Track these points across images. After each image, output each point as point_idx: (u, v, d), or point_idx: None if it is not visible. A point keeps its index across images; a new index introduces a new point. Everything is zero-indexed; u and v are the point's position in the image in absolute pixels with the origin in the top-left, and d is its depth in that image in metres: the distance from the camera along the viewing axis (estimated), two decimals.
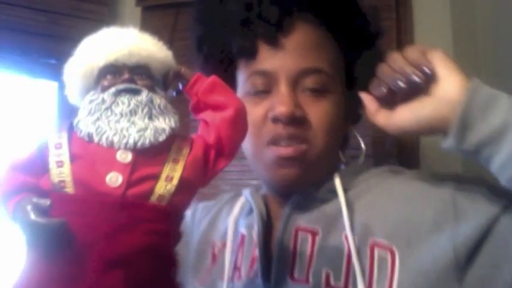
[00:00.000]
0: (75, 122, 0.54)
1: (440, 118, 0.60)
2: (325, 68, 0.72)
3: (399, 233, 0.65)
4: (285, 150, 0.69)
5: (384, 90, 0.64)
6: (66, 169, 0.49)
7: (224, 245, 0.78)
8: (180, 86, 0.58)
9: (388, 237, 0.65)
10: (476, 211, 0.62)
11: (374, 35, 0.79)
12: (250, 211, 0.79)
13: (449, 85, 0.60)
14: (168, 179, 0.51)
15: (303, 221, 0.71)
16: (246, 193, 0.80)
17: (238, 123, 0.56)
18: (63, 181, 0.49)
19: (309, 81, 0.71)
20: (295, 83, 0.71)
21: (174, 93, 0.59)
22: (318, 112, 0.71)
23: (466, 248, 0.60)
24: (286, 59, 0.71)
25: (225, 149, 0.55)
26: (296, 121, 0.69)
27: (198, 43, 0.78)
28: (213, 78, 0.57)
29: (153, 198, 0.50)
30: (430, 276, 0.61)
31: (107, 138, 0.51)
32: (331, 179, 0.73)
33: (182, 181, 0.52)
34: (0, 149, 1.61)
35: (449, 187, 0.65)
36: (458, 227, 0.61)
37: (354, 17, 0.76)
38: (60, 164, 0.50)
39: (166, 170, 0.52)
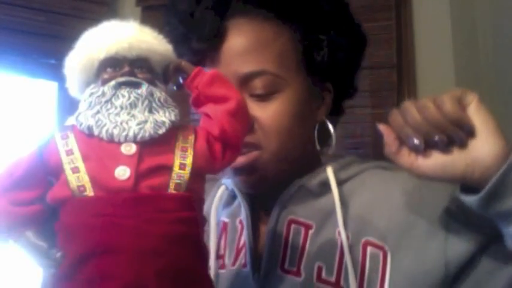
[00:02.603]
0: (75, 115, 0.54)
1: (470, 176, 0.57)
2: (270, 69, 0.69)
3: (392, 234, 0.66)
4: (239, 160, 0.68)
5: (421, 146, 0.58)
6: (83, 174, 0.50)
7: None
8: (181, 80, 0.58)
9: (381, 238, 0.66)
10: (468, 236, 0.63)
11: (333, 12, 0.75)
12: (231, 200, 0.79)
13: (487, 145, 0.56)
14: (182, 167, 0.51)
15: (297, 213, 0.71)
16: (228, 182, 0.79)
17: (241, 114, 0.56)
18: (82, 185, 0.49)
19: (254, 86, 0.69)
20: (241, 88, 0.68)
21: (175, 87, 0.59)
22: (267, 116, 0.69)
23: (456, 266, 0.62)
24: (227, 67, 0.69)
25: (231, 141, 0.55)
26: None
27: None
28: (213, 71, 0.57)
29: (171, 188, 0.50)
30: (419, 283, 0.63)
31: (106, 131, 0.51)
32: (321, 168, 0.73)
33: (194, 168, 0.52)
34: (0, 149, 1.61)
35: (445, 202, 0.65)
36: (449, 244, 0.63)
37: None
38: (76, 169, 0.50)
39: (177, 159, 0.52)
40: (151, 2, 1.68)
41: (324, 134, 0.77)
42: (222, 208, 0.79)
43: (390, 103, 1.75)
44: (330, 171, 0.72)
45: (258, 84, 0.69)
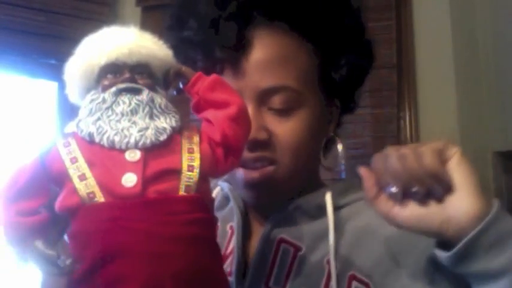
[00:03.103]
0: (75, 122, 0.54)
1: (445, 232, 0.57)
2: (291, 85, 0.68)
3: (378, 272, 0.66)
4: (252, 174, 0.68)
5: (398, 195, 0.58)
6: (91, 180, 0.49)
7: None
8: (181, 85, 0.58)
9: (366, 274, 0.66)
10: (452, 285, 0.62)
11: (354, 32, 0.74)
12: (224, 204, 0.78)
13: (464, 203, 0.56)
14: (190, 169, 0.52)
15: (287, 232, 0.71)
16: (224, 185, 0.78)
17: (242, 120, 0.56)
18: (91, 192, 0.49)
19: (274, 101, 0.68)
20: (260, 102, 0.68)
21: (175, 92, 0.59)
22: (284, 132, 0.68)
23: None
24: (248, 79, 0.67)
25: (232, 146, 0.55)
26: (260, 144, 0.67)
27: (173, 51, 0.77)
28: (213, 76, 0.57)
29: (182, 190, 0.50)
30: None
31: (107, 138, 0.51)
32: (320, 192, 0.73)
33: (202, 169, 0.52)
34: (0, 149, 1.61)
35: (432, 248, 0.64)
36: None
37: (329, 18, 0.71)
38: (83, 177, 0.50)
39: (185, 161, 0.52)
40: (151, 2, 1.68)
41: (326, 148, 0.77)
42: (215, 210, 0.79)
43: (390, 103, 1.75)
44: (328, 197, 0.71)
45: (278, 100, 0.68)
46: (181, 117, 0.56)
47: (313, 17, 0.69)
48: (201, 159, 0.53)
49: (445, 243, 0.58)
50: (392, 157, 0.58)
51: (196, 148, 0.54)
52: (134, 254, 0.47)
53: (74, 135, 0.53)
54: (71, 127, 0.54)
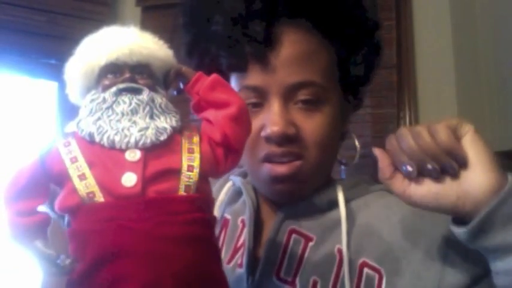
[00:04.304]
0: (75, 122, 0.54)
1: (461, 207, 0.57)
2: (317, 80, 0.69)
3: (389, 258, 0.66)
4: (280, 169, 0.69)
5: (413, 172, 0.58)
6: (91, 180, 0.49)
7: None
8: (181, 85, 0.58)
9: (378, 261, 0.66)
10: (463, 268, 0.63)
11: (371, 29, 0.75)
12: (236, 197, 0.79)
13: (479, 178, 0.56)
14: (190, 168, 0.52)
15: (299, 224, 0.72)
16: (236, 179, 0.79)
17: (242, 120, 0.56)
18: (91, 192, 0.49)
19: (301, 96, 0.69)
20: (287, 97, 0.69)
21: (175, 92, 0.59)
22: (311, 127, 0.69)
23: None
24: (276, 74, 0.68)
25: (232, 146, 0.55)
26: (289, 139, 0.68)
27: (187, 50, 0.76)
28: (214, 76, 0.57)
29: (181, 190, 0.50)
30: None
31: (108, 138, 0.51)
32: (331, 186, 0.74)
33: (202, 169, 0.52)
34: (0, 149, 1.61)
35: (444, 233, 0.65)
36: (445, 275, 0.63)
37: (350, 15, 0.72)
38: (83, 177, 0.50)
39: (185, 161, 0.52)
40: (151, 2, 1.68)
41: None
42: (226, 204, 0.79)
43: (390, 103, 1.75)
44: (339, 191, 0.72)
45: (305, 95, 0.68)
46: (181, 117, 0.56)
47: (333, 14, 0.70)
48: (201, 159, 0.53)
49: (461, 219, 0.58)
50: (407, 135, 0.59)
51: (196, 148, 0.54)
52: (134, 254, 0.47)
53: (74, 135, 0.53)
54: (71, 127, 0.54)
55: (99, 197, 0.49)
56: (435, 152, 0.57)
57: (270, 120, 0.68)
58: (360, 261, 0.67)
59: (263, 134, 0.68)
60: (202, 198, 0.52)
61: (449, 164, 0.57)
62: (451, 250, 0.64)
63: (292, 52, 0.68)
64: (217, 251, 0.54)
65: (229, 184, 0.81)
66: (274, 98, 0.68)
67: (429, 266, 0.64)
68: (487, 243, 0.56)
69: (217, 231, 0.76)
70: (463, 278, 0.62)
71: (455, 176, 0.57)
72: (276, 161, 0.69)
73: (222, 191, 0.80)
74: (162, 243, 0.47)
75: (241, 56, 0.69)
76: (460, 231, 0.57)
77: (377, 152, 0.62)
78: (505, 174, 0.56)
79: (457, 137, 0.58)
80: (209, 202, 0.55)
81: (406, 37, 1.73)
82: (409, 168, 0.58)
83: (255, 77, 0.69)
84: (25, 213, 0.51)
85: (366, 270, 0.66)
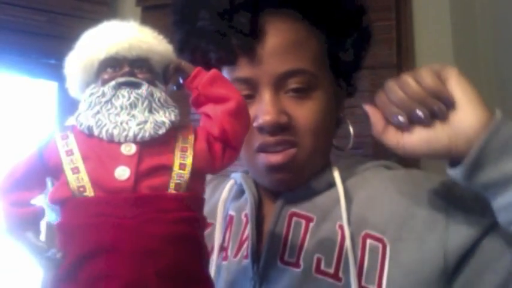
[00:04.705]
0: (75, 116, 0.54)
1: (454, 149, 0.58)
2: (307, 68, 0.70)
3: (391, 226, 0.66)
4: (275, 158, 0.69)
5: (404, 121, 0.59)
6: (83, 174, 0.49)
7: (210, 226, 0.78)
8: (181, 80, 0.58)
9: (380, 230, 0.67)
10: (468, 224, 0.63)
11: (357, 14, 0.76)
12: (239, 194, 0.80)
13: (468, 116, 0.57)
14: (182, 167, 0.52)
15: (298, 207, 0.72)
16: (237, 176, 0.80)
17: (241, 115, 0.56)
18: (82, 186, 0.49)
19: (291, 84, 0.69)
20: (277, 86, 0.69)
21: (174, 87, 0.59)
22: (304, 114, 0.70)
23: (456, 256, 0.62)
24: (265, 65, 0.69)
25: (231, 142, 0.56)
26: (282, 128, 0.69)
27: (179, 47, 0.76)
28: (213, 71, 0.57)
29: (171, 188, 0.50)
30: (418, 275, 0.63)
31: (106, 131, 0.51)
32: (328, 170, 0.74)
33: (194, 168, 0.52)
34: (0, 149, 1.61)
35: (444, 194, 0.66)
36: (449, 234, 0.63)
37: (335, 2, 0.73)
38: (76, 170, 0.50)
39: (177, 159, 0.52)
40: (151, 2, 1.68)
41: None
42: (230, 202, 0.80)
43: None
44: (336, 172, 0.73)
45: (295, 83, 0.69)
46: (180, 112, 0.55)
47: (318, 2, 0.71)
48: (194, 157, 0.53)
49: (457, 162, 0.58)
50: (393, 86, 0.60)
51: (190, 147, 0.53)
52: (119, 250, 0.47)
53: (73, 128, 0.53)
54: (71, 121, 0.54)
55: (90, 192, 0.49)
56: (422, 97, 0.58)
57: (262, 110, 0.68)
58: (363, 233, 0.67)
59: (255, 124, 0.69)
60: (192, 196, 0.52)
61: (438, 107, 0.58)
62: (453, 208, 0.64)
63: (280, 41, 0.69)
64: (203, 251, 0.53)
65: (231, 182, 0.82)
66: (265, 88, 0.69)
67: (432, 228, 0.64)
68: (485, 178, 0.56)
69: (223, 229, 0.77)
70: (470, 233, 0.62)
71: (444, 118, 0.58)
72: (271, 151, 0.70)
73: (225, 189, 0.81)
74: (148, 241, 0.47)
75: (229, 49, 0.70)
76: (456, 172, 0.58)
77: (367, 108, 0.64)
78: (492, 111, 0.58)
79: (442, 80, 0.59)
80: (199, 201, 0.54)
81: (406, 37, 1.73)
82: (400, 118, 0.60)
83: (244, 69, 0.70)
84: (20, 204, 0.51)
85: (369, 241, 0.66)
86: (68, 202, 0.49)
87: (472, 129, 0.56)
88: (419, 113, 0.58)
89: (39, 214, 0.52)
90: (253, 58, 0.69)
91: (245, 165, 0.77)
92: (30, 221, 0.51)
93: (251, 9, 0.69)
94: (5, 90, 1.73)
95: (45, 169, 0.52)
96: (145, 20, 1.84)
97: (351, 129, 0.79)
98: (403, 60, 1.75)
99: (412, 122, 0.60)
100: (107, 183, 0.49)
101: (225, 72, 0.73)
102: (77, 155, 0.51)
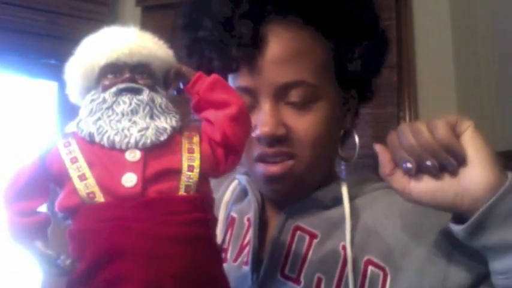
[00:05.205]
0: (75, 122, 0.53)
1: (459, 204, 0.57)
2: (308, 79, 0.68)
3: (394, 256, 0.66)
4: (272, 168, 0.69)
5: (413, 169, 0.58)
6: (91, 181, 0.49)
7: None
8: (181, 85, 0.58)
9: (382, 258, 0.66)
10: (469, 266, 0.62)
11: (369, 21, 0.74)
12: (242, 196, 0.79)
13: (478, 175, 0.56)
14: (190, 168, 0.52)
15: (303, 221, 0.72)
16: (241, 178, 0.80)
17: (242, 120, 0.56)
18: (91, 192, 0.49)
19: (291, 96, 0.68)
20: (277, 97, 0.68)
21: (175, 92, 0.59)
22: (303, 126, 0.69)
23: None
24: (265, 75, 0.68)
25: (233, 146, 0.55)
26: (279, 139, 0.68)
27: (187, 52, 0.76)
28: (214, 76, 0.57)
29: (181, 190, 0.50)
30: None
31: (108, 138, 0.51)
32: (335, 184, 0.73)
33: (202, 169, 0.52)
34: (0, 149, 1.61)
35: (450, 232, 0.64)
36: (449, 272, 0.62)
37: (342, 8, 0.71)
38: (83, 177, 0.50)
39: (185, 161, 0.52)
40: (151, 2, 1.68)
41: (343, 139, 0.78)
42: (232, 203, 0.80)
43: (390, 103, 1.74)
44: (344, 189, 0.72)
45: (295, 94, 0.68)
46: (181, 117, 0.55)
47: (325, 10, 0.70)
48: (201, 159, 0.53)
49: (460, 217, 0.58)
50: (407, 132, 0.59)
51: (196, 148, 0.54)
52: (133, 254, 0.47)
53: (74, 135, 0.53)
54: (71, 127, 0.54)
55: (100, 197, 0.49)
56: (434, 148, 0.57)
57: (260, 120, 0.68)
58: (365, 258, 0.67)
59: (254, 134, 0.69)
60: (202, 198, 0.52)
61: (448, 161, 0.57)
62: (456, 248, 0.63)
63: (281, 51, 0.68)
64: (217, 251, 0.54)
65: (235, 183, 0.81)
66: (265, 98, 0.68)
67: (434, 263, 0.64)
68: (485, 241, 0.55)
69: (223, 229, 0.77)
70: (468, 276, 0.62)
71: (454, 173, 0.57)
72: (269, 161, 0.69)
73: (228, 189, 0.80)
74: (162, 243, 0.47)
75: (230, 58, 0.69)
76: (458, 229, 0.57)
77: (378, 148, 0.62)
78: (505, 172, 0.56)
79: (456, 134, 0.58)
80: (209, 202, 0.55)
81: (406, 37, 1.72)
82: (409, 165, 0.58)
83: (245, 78, 0.69)
84: (25, 214, 0.51)
85: (370, 268, 0.66)
86: (78, 209, 0.49)
87: (479, 189, 0.55)
88: (429, 164, 0.57)
89: (46, 222, 0.52)
90: (253, 68, 0.68)
91: (248, 171, 0.77)
92: (37, 229, 0.51)
93: (253, 18, 0.68)
94: (5, 90, 1.73)
95: (48, 177, 0.51)
96: (145, 20, 1.85)
97: (357, 140, 0.77)
98: (403, 60, 1.75)
99: (421, 170, 0.59)
100: (115, 190, 0.49)
101: (230, 80, 0.72)
102: (82, 162, 0.51)
